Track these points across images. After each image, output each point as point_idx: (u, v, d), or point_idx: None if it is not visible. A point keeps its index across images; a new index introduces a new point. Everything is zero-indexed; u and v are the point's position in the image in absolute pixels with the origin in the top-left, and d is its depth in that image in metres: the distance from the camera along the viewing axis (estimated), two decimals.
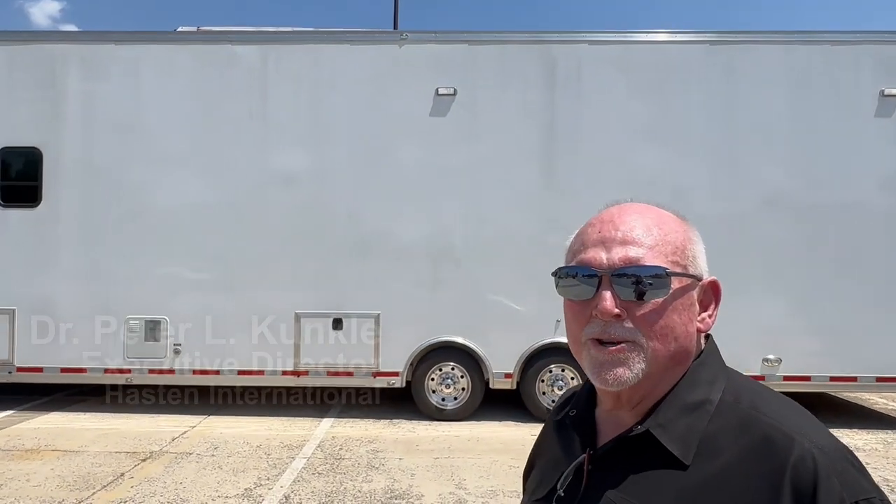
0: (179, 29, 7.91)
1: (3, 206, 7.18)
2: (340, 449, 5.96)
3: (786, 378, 6.88)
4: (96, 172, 7.15)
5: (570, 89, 7.02)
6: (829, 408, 7.94)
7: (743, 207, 6.92)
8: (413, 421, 6.99)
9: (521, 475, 1.12)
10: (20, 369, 7.13)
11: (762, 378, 6.88)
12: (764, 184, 6.90)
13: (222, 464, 5.50)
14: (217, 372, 7.08)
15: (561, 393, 7.02)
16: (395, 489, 4.94)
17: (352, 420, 7.00)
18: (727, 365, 0.93)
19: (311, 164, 7.09)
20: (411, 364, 7.02)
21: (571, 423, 0.98)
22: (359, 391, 7.72)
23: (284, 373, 7.06)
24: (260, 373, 7.07)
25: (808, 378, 6.91)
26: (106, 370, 7.11)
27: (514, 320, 6.94)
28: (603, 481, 0.88)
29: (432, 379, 7.09)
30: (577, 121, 7.01)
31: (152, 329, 7.09)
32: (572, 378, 6.94)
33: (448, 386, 7.08)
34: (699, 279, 0.90)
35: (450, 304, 6.99)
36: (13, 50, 7.21)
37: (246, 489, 4.91)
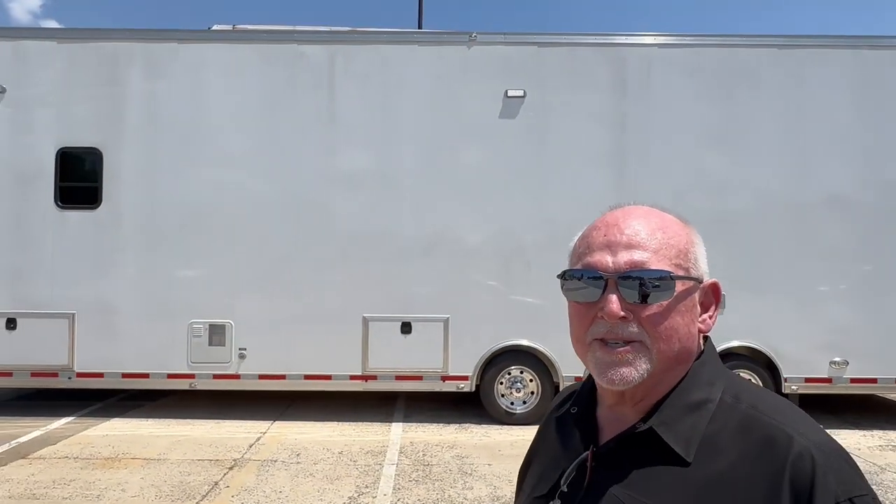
0: (214, 27, 7.77)
1: (62, 207, 7.01)
2: (424, 455, 5.90)
3: (853, 380, 6.93)
4: (158, 173, 7.01)
5: (639, 92, 7.01)
6: (879, 410, 8.03)
7: (809, 210, 6.96)
8: (483, 425, 6.95)
9: (518, 473, 1.11)
10: (80, 374, 6.97)
11: (829, 381, 6.95)
12: (831, 187, 6.95)
13: (312, 471, 5.41)
14: (283, 377, 6.98)
15: None
16: (500, 496, 4.90)
17: (420, 425, 6.94)
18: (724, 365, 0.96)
19: (379, 165, 7.01)
20: (480, 368, 6.97)
21: (573, 420, 0.99)
22: (418, 395, 7.66)
23: (352, 377, 6.98)
24: (327, 377, 6.98)
25: (874, 380, 6.97)
26: (169, 375, 6.98)
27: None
28: (606, 478, 0.89)
29: (501, 383, 7.05)
30: (647, 123, 7.00)
31: (217, 333, 6.96)
32: None
33: (518, 390, 7.04)
34: (700, 281, 0.92)
35: (519, 307, 6.95)
36: (73, 48, 7.04)
37: (350, 497, 4.83)
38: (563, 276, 0.94)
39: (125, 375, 6.98)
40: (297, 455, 5.83)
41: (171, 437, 6.36)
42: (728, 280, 6.13)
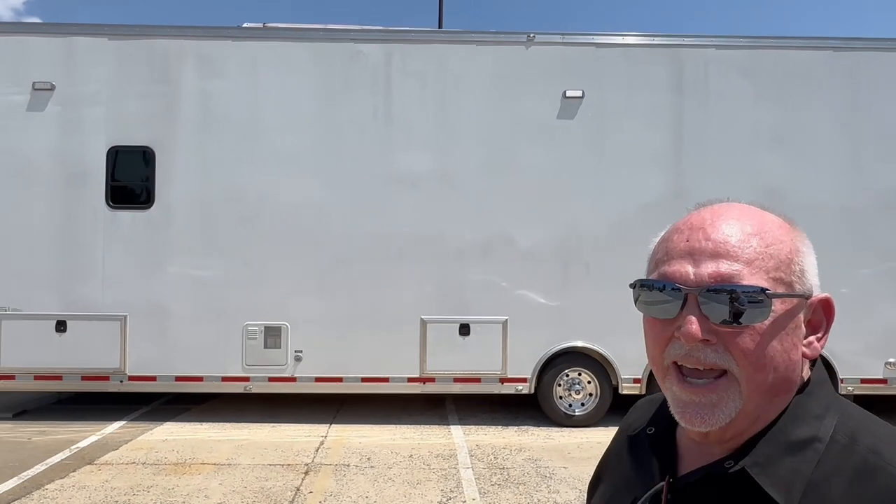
0: (245, 25, 7.64)
1: (113, 207, 6.87)
2: (496, 458, 5.85)
3: None
4: (212, 172, 6.89)
5: (697, 93, 7.01)
6: None
7: (864, 211, 6.99)
8: (541, 427, 6.91)
9: (588, 485, 1.03)
10: (132, 378, 6.84)
11: (884, 382, 6.99)
12: (885, 188, 6.99)
13: (390, 475, 5.34)
14: (340, 379, 6.89)
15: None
16: None
17: (480, 427, 6.88)
18: (839, 394, 0.82)
19: (436, 165, 6.95)
20: (538, 370, 6.93)
21: (649, 442, 0.87)
22: (466, 396, 7.61)
23: (410, 380, 6.91)
24: (384, 380, 6.90)
25: None
26: (223, 378, 6.86)
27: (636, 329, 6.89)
28: None
29: (559, 385, 7.02)
30: (704, 125, 7.00)
31: (272, 335, 6.86)
32: None
33: (577, 392, 7.01)
34: (807, 297, 0.77)
35: (577, 308, 6.91)
36: (124, 45, 6.91)
37: (439, 503, 4.77)
38: (636, 286, 0.81)
39: (178, 379, 6.85)
40: (368, 459, 5.75)
41: (232, 441, 6.25)
42: None
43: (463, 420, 7.16)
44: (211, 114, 6.90)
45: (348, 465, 5.58)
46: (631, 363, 6.88)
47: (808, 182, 6.98)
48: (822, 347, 0.80)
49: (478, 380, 6.92)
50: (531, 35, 7.01)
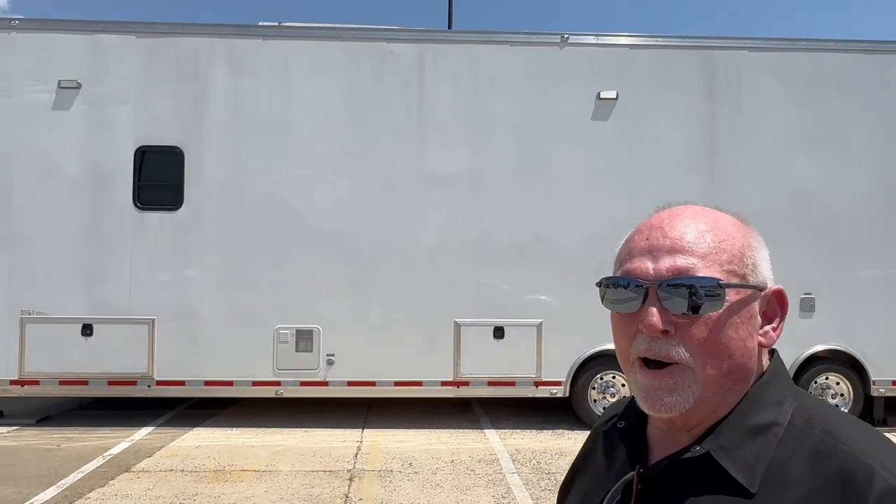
0: (260, 24, 7.52)
1: (141, 208, 6.73)
2: (539, 463, 5.78)
3: None
4: (242, 173, 6.77)
5: (729, 96, 7.00)
6: None
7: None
8: (576, 431, 6.84)
9: (559, 489, 1.04)
10: (160, 383, 6.69)
11: None
12: None
13: (436, 481, 5.25)
14: (373, 383, 6.80)
15: None
16: None
17: (514, 431, 6.81)
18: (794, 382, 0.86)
19: (469, 165, 6.88)
20: (572, 373, 6.88)
21: (620, 436, 0.90)
22: (493, 399, 7.54)
23: (444, 383, 6.82)
24: (418, 384, 6.81)
25: None
26: (254, 383, 6.74)
27: None
28: (654, 502, 0.81)
29: (593, 388, 6.96)
30: (736, 126, 6.99)
31: (304, 339, 6.75)
32: None
33: (613, 395, 6.96)
34: (761, 289, 0.82)
35: None
36: (152, 43, 6.77)
37: None
38: (602, 284, 0.85)
39: (208, 383, 6.72)
40: (410, 465, 5.66)
41: (267, 447, 6.13)
42: (815, 283, 6.11)
43: (496, 424, 7.08)
44: (241, 113, 6.79)
45: (391, 471, 5.48)
46: None
47: (839, 183, 6.99)
48: (777, 336, 0.84)
49: (512, 383, 6.85)
50: (565, 36, 6.96)
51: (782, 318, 0.85)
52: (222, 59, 6.80)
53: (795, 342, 6.90)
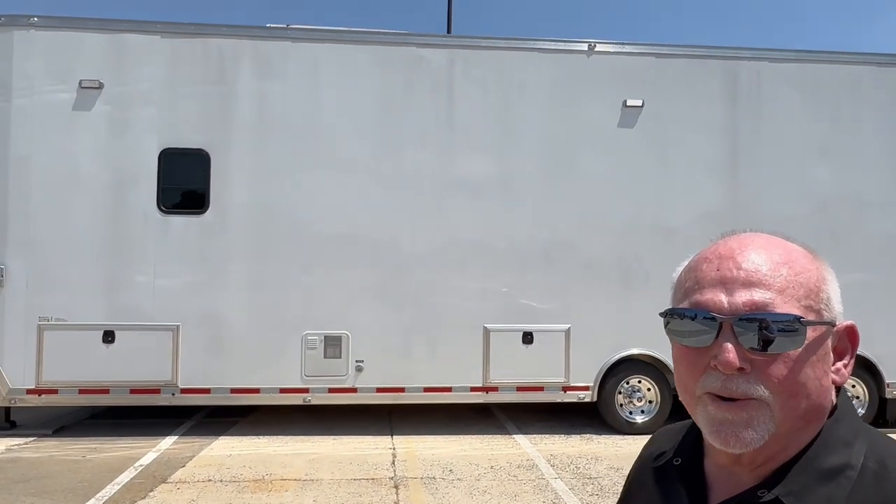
0: (289, 26, 7.48)
1: (165, 212, 6.58)
2: (577, 468, 5.80)
3: None
4: (269, 176, 6.67)
5: (751, 105, 7.15)
6: None
7: None
8: (603, 435, 6.89)
9: None
10: (184, 391, 6.54)
11: None
12: None
13: (481, 488, 5.23)
14: (402, 389, 6.74)
15: None
16: None
17: (543, 436, 6.82)
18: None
19: (498, 171, 6.89)
20: (600, 378, 6.92)
21: (677, 472, 0.87)
22: (511, 404, 7.55)
23: (473, 389, 6.81)
24: (447, 389, 6.78)
25: None
26: (282, 390, 6.63)
27: None
28: None
29: (620, 392, 7.02)
30: (758, 135, 7.14)
31: (333, 345, 6.67)
32: None
33: (639, 399, 7.02)
34: (834, 325, 0.79)
35: (638, 316, 6.92)
36: (177, 43, 6.64)
37: None
38: (668, 314, 0.82)
39: (234, 391, 6.59)
40: (451, 471, 5.63)
41: (300, 455, 6.03)
42: None
43: (522, 429, 7.09)
44: (268, 116, 6.69)
45: (434, 478, 5.44)
46: None
47: (856, 192, 7.19)
48: (849, 374, 0.81)
49: (541, 388, 6.87)
50: (592, 44, 7.03)
51: (853, 355, 0.82)
52: (250, 60, 6.69)
53: None
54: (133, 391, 6.51)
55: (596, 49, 7.02)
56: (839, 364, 0.80)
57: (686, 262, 0.85)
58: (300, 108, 6.72)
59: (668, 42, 7.22)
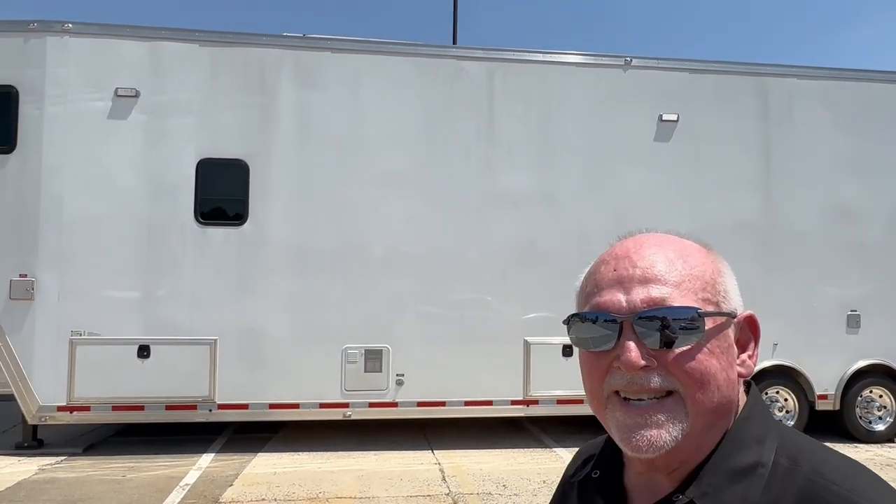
0: (329, 37, 7.37)
1: (203, 223, 6.44)
2: None
3: None
4: (309, 188, 6.58)
5: (782, 120, 7.28)
6: None
7: None
8: None
9: None
10: (222, 406, 6.37)
11: None
12: None
13: (539, 503, 5.18)
14: (443, 403, 6.67)
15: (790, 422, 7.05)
16: None
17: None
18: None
19: (538, 184, 6.90)
20: None
21: (596, 486, 0.85)
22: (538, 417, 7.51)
23: (514, 402, 6.76)
24: (488, 403, 6.73)
25: None
26: (322, 405, 6.51)
27: None
28: None
29: None
30: (790, 150, 7.27)
31: (373, 359, 6.57)
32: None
33: None
34: (733, 316, 0.79)
35: None
36: (216, 51, 6.53)
37: None
38: (570, 321, 0.82)
39: (272, 406, 6.44)
40: (505, 486, 5.57)
41: (347, 471, 5.91)
42: (860, 300, 6.40)
43: (560, 442, 7.06)
44: (309, 127, 6.61)
45: (490, 494, 5.37)
46: None
47: (882, 206, 7.35)
48: (755, 365, 0.80)
49: (580, 401, 6.83)
50: (629, 59, 7.11)
51: (756, 345, 0.81)
52: (290, 71, 6.61)
53: (844, 357, 7.19)
54: (169, 407, 6.32)
55: (632, 64, 7.10)
56: (744, 356, 0.79)
57: (587, 269, 0.86)
58: (341, 120, 6.65)
59: (700, 58, 7.33)
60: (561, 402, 6.83)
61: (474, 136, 6.83)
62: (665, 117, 7.08)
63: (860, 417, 7.25)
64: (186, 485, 5.46)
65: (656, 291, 0.75)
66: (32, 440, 6.38)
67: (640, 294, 0.75)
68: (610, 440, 0.84)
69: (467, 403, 6.70)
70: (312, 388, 6.48)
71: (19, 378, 6.13)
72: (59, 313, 6.20)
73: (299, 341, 6.48)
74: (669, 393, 0.73)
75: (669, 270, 0.77)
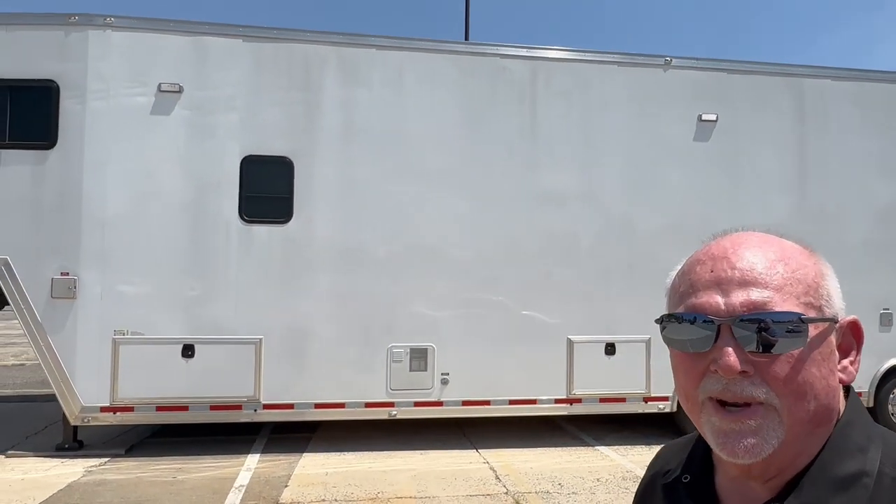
0: (372, 34, 7.29)
1: (247, 221, 6.36)
2: None
3: None
4: (354, 186, 6.53)
5: (816, 121, 7.37)
6: None
7: None
8: None
9: None
10: (267, 406, 6.30)
11: None
12: None
13: (601, 501, 5.19)
14: (488, 402, 6.65)
15: None
16: None
17: (626, 447, 6.81)
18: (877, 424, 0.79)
19: (581, 183, 6.91)
20: None
21: (686, 491, 0.83)
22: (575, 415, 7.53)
23: (557, 401, 6.77)
24: (532, 401, 6.73)
25: None
26: (367, 404, 6.46)
27: None
28: None
29: None
30: (824, 150, 7.35)
31: (418, 357, 6.54)
32: None
33: None
34: (836, 321, 0.76)
35: None
36: (260, 47, 6.45)
37: None
38: (663, 320, 0.79)
39: (318, 406, 6.39)
40: (560, 485, 5.56)
41: (400, 471, 5.87)
42: (892, 300, 6.49)
43: (601, 440, 7.07)
44: (353, 124, 6.55)
45: (549, 493, 5.37)
46: None
47: None
48: (856, 371, 0.77)
49: (623, 399, 6.88)
50: (668, 59, 7.15)
51: (858, 351, 0.78)
52: (334, 67, 6.56)
53: (875, 356, 7.29)
54: (213, 408, 6.23)
55: (672, 63, 7.14)
56: (845, 362, 0.77)
57: (679, 267, 0.83)
58: (386, 117, 6.61)
59: (737, 59, 7.39)
60: (603, 400, 6.84)
61: (517, 134, 6.82)
62: (704, 117, 7.13)
63: (892, 414, 7.37)
64: (241, 486, 5.39)
65: (756, 295, 0.72)
66: (73, 441, 6.26)
67: (739, 297, 0.72)
68: (700, 442, 0.82)
69: (511, 402, 6.69)
70: (358, 387, 6.43)
71: (61, 378, 6.01)
72: (102, 312, 6.08)
73: (344, 340, 6.43)
74: (765, 402, 0.71)
75: (770, 273, 0.73)
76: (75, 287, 6.05)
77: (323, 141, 6.50)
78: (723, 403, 0.72)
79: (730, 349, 0.70)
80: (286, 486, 5.42)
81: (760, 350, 0.70)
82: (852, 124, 7.43)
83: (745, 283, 0.73)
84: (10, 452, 6.14)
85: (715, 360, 0.72)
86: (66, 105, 6.14)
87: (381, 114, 6.60)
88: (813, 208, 7.28)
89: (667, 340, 0.78)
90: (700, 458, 0.83)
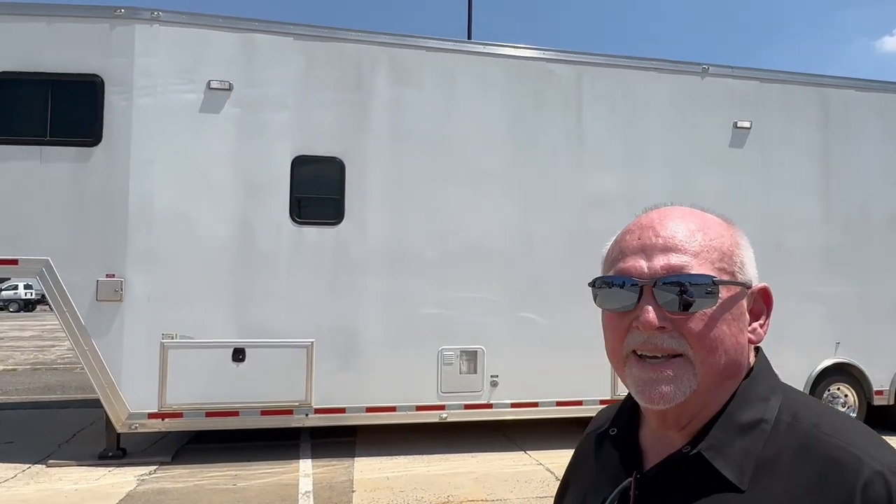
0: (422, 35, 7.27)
1: (298, 222, 6.25)
2: None
3: None
4: (405, 187, 6.48)
5: (840, 129, 7.64)
6: None
7: None
8: None
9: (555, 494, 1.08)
10: (318, 410, 6.20)
11: None
12: None
13: None
14: (536, 404, 6.69)
15: None
16: None
17: None
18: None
19: (625, 187, 6.99)
20: None
21: (613, 442, 0.92)
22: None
23: (602, 402, 6.83)
24: (578, 403, 6.78)
25: None
26: (418, 407, 6.41)
27: (797, 342, 7.34)
28: None
29: None
30: (846, 158, 7.63)
31: (468, 360, 6.53)
32: None
33: None
34: (748, 287, 0.84)
35: None
36: (311, 46, 6.35)
37: None
38: (595, 283, 0.87)
39: (369, 409, 6.31)
40: None
41: (460, 474, 5.85)
42: None
43: None
44: (404, 125, 6.51)
45: None
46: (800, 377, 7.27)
47: None
48: (765, 333, 0.86)
49: None
50: (706, 67, 7.31)
51: (768, 316, 0.87)
52: (385, 68, 6.50)
53: (890, 349, 7.59)
54: (264, 413, 6.10)
55: (709, 71, 7.31)
56: (755, 324, 0.85)
57: (614, 237, 0.90)
58: (436, 119, 6.58)
59: (769, 68, 7.61)
60: None
61: (563, 137, 6.88)
62: (740, 124, 7.32)
63: None
64: (307, 492, 5.29)
65: (676, 259, 0.80)
66: (117, 449, 6.04)
67: (660, 261, 0.81)
68: (628, 400, 0.92)
69: (559, 404, 6.74)
70: (409, 390, 6.38)
71: (107, 384, 5.80)
72: (149, 315, 5.89)
73: (396, 343, 6.37)
74: (679, 355, 0.79)
75: (689, 241, 0.82)
76: (122, 289, 5.84)
77: (373, 142, 6.43)
78: (643, 357, 0.80)
79: (650, 307, 0.79)
80: (353, 491, 5.35)
81: (680, 309, 0.78)
82: (875, 134, 7.72)
83: (667, 249, 0.81)
84: (51, 462, 5.88)
85: (637, 317, 0.80)
86: (111, 101, 5.93)
87: (430, 115, 6.57)
88: (836, 213, 7.54)
89: (598, 302, 0.86)
90: (627, 414, 0.91)
